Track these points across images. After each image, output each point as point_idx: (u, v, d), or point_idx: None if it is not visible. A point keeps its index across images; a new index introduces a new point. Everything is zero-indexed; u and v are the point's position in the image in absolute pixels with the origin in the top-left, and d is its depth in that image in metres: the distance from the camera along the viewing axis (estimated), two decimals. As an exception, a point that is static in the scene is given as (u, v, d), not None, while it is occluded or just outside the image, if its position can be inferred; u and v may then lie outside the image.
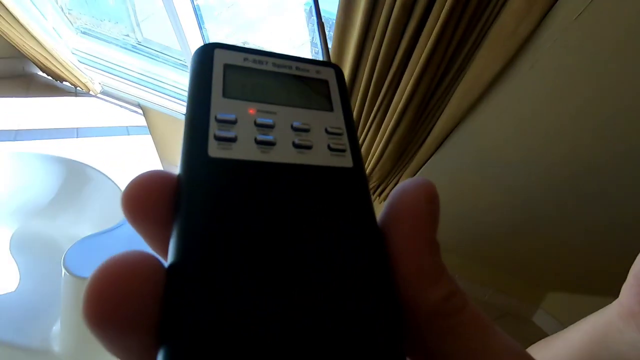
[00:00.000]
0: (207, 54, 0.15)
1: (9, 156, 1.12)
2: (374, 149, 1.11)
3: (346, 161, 0.14)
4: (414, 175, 1.17)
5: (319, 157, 0.14)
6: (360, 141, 1.14)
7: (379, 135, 1.07)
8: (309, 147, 0.14)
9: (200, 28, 1.44)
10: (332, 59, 1.00)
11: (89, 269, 0.85)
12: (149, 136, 1.55)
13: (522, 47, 0.73)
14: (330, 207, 0.12)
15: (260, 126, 0.14)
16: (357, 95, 1.00)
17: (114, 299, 0.09)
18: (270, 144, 0.13)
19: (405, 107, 0.92)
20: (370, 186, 1.37)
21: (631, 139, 0.83)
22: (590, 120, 0.84)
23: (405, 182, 0.13)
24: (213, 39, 1.53)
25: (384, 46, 0.80)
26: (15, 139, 1.20)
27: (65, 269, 0.83)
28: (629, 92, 0.75)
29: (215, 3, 1.87)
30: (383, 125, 1.03)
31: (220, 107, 0.13)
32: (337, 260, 0.11)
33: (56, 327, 0.93)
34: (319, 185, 0.13)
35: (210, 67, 0.14)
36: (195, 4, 1.38)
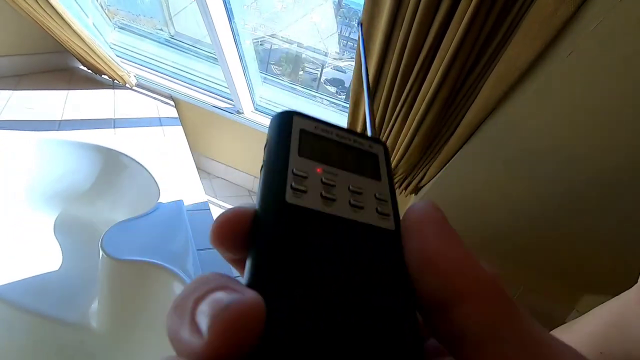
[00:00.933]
0: (287, 119, 0.18)
1: (53, 144, 1.20)
2: (400, 141, 1.10)
3: (389, 224, 0.17)
4: (442, 168, 1.14)
5: (368, 217, 0.17)
6: (387, 133, 1.13)
7: (405, 127, 1.05)
8: (361, 208, 0.17)
9: (230, 21, 1.47)
10: (358, 49, 0.99)
11: (125, 251, 0.90)
12: (180, 127, 1.61)
13: (561, 30, 0.68)
14: (374, 258, 0.15)
15: (325, 184, 0.17)
16: (384, 85, 0.99)
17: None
18: (332, 199, 0.16)
19: (434, 97, 0.89)
20: (396, 179, 1.35)
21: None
22: (635, 111, 0.78)
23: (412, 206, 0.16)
24: (242, 31, 1.55)
25: (412, 31, 0.78)
26: (59, 129, 1.28)
27: (103, 250, 0.88)
28: None
29: (244, -4, 1.89)
30: (410, 117, 1.01)
31: (296, 163, 0.17)
32: (377, 293, 0.15)
33: (94, 305, 0.99)
34: (366, 240, 0.16)
35: (289, 130, 0.18)
36: (225, -3, 1.40)
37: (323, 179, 0.17)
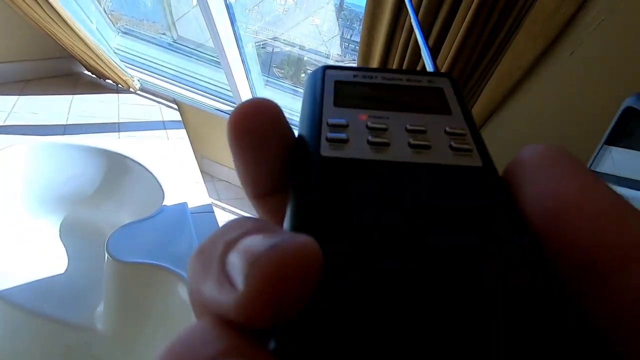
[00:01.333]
0: (318, 74, 0.16)
1: (58, 148, 1.21)
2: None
3: (473, 161, 0.13)
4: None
5: (440, 156, 0.13)
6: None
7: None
8: (426, 147, 0.13)
9: (233, 25, 1.48)
10: (361, 49, 1.00)
11: (130, 253, 0.91)
12: (184, 130, 1.62)
13: (564, 28, 0.69)
14: (458, 201, 0.11)
15: (372, 129, 0.14)
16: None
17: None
18: (384, 144, 0.13)
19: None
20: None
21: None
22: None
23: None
24: (244, 35, 1.57)
25: (413, 35, 0.78)
26: (64, 133, 1.29)
27: (108, 253, 0.89)
28: None
29: (246, 0, 1.91)
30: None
31: (332, 114, 0.14)
32: (472, 232, 0.10)
33: (100, 307, 1.00)
34: (441, 182, 0.12)
35: (321, 84, 0.15)
36: (228, 1, 1.42)
37: (369, 124, 0.14)
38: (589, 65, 0.76)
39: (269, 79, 1.96)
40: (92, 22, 1.60)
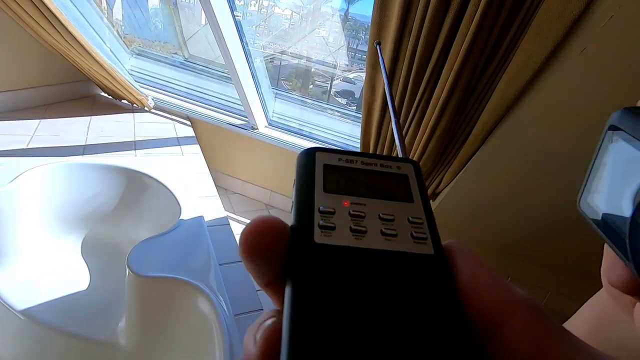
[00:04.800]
0: (310, 157, 0.19)
1: (79, 168, 1.25)
2: (415, 147, 1.10)
3: (427, 249, 0.16)
4: (458, 172, 1.13)
5: (403, 244, 0.16)
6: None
7: (419, 133, 1.05)
8: (394, 235, 0.16)
9: (242, 41, 1.52)
10: (369, 60, 1.01)
11: (150, 268, 0.92)
12: (197, 145, 1.65)
13: (572, 27, 0.68)
14: (415, 289, 0.14)
15: (353, 216, 0.16)
16: (396, 93, 1.00)
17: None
18: (363, 232, 0.16)
19: (447, 101, 0.90)
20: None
21: None
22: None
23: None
24: (252, 50, 1.60)
25: (422, 38, 0.79)
26: (84, 153, 1.34)
27: (129, 268, 0.91)
28: None
29: (253, 17, 1.96)
30: (423, 122, 1.01)
31: (322, 201, 0.17)
32: (424, 321, 0.14)
33: (122, 322, 1.01)
34: (403, 269, 0.15)
35: (313, 167, 0.18)
36: (236, 19, 1.46)
37: (351, 212, 0.16)
38: (600, 62, 0.75)
39: (279, 92, 1.99)
40: (107, 46, 1.66)
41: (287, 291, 0.14)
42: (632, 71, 0.73)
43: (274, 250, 0.14)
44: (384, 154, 1.22)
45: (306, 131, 1.91)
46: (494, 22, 0.71)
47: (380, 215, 0.17)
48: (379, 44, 0.80)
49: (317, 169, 0.18)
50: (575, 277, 1.44)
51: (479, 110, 0.93)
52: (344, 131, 1.96)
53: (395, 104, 1.02)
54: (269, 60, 1.97)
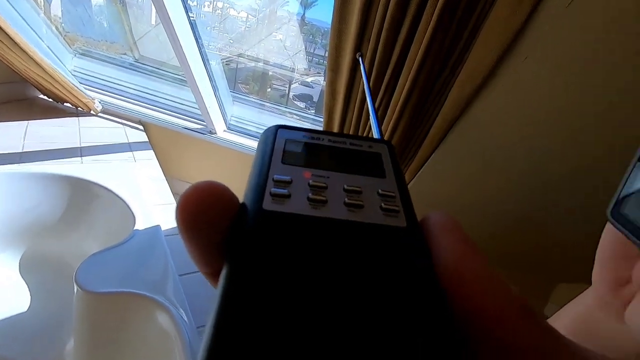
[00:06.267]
0: (271, 133, 0.17)
1: (15, 178, 1.13)
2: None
3: (399, 221, 0.14)
4: (418, 171, 1.18)
5: (370, 216, 0.14)
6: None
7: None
8: (359, 207, 0.14)
9: (198, 42, 1.47)
10: (329, 65, 1.02)
11: (101, 283, 0.86)
12: (151, 151, 1.57)
13: (519, 32, 0.74)
14: (381, 264, 0.12)
15: (313, 187, 0.15)
16: (356, 97, 1.02)
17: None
18: (322, 202, 0.14)
19: (405, 104, 0.93)
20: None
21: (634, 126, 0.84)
22: (592, 107, 0.85)
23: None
24: (208, 52, 1.56)
25: (380, 46, 0.82)
26: (20, 161, 1.22)
27: (77, 285, 0.83)
28: (629, 76, 0.76)
29: (207, 18, 1.90)
30: (384, 123, 1.04)
31: (278, 170, 0.15)
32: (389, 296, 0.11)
33: (70, 345, 0.93)
34: (368, 241, 0.13)
35: (272, 141, 0.17)
36: (191, 20, 1.41)
37: (311, 182, 0.15)
38: (542, 67, 0.82)
39: (236, 95, 1.95)
40: (45, 44, 1.53)
41: (224, 268, 0.11)
42: (570, 74, 0.81)
43: (219, 223, 0.12)
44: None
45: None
46: (447, 29, 0.75)
47: (345, 187, 0.15)
48: (362, 55, 0.81)
49: (278, 143, 0.17)
50: (524, 269, 1.55)
51: (435, 113, 0.98)
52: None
53: (356, 107, 1.04)
54: (226, 63, 1.93)
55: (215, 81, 1.62)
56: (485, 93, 0.90)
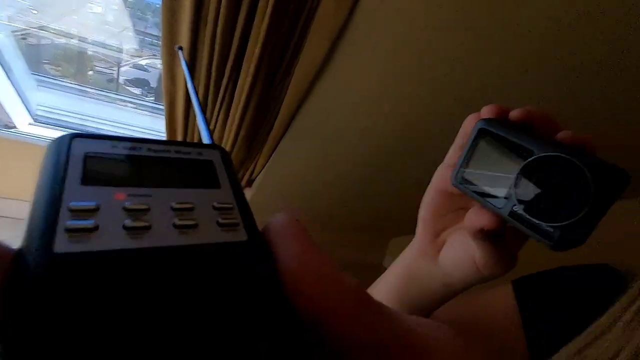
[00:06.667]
0: (62, 145, 0.13)
1: None
2: (225, 140, 1.11)
3: (239, 235, 0.13)
4: (269, 157, 1.22)
5: (207, 235, 0.12)
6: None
7: (227, 125, 1.06)
8: (193, 227, 0.12)
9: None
10: (164, 47, 0.93)
11: None
12: None
13: (342, 29, 0.83)
14: (221, 287, 0.11)
15: (130, 211, 0.12)
16: (199, 85, 0.97)
17: None
18: (144, 228, 0.11)
19: (249, 95, 0.94)
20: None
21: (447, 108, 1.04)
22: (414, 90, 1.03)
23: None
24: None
25: (219, 25, 0.79)
26: None
27: None
28: (442, 67, 0.92)
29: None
30: (230, 116, 1.02)
31: (76, 195, 0.11)
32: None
33: None
34: (205, 265, 0.11)
35: (66, 156, 0.12)
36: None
37: (127, 205, 0.12)
38: (371, 62, 0.95)
39: (43, 78, 1.57)
40: None
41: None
42: (394, 66, 0.94)
43: None
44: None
45: (91, 126, 1.59)
46: (281, 23, 0.79)
47: (173, 205, 0.13)
48: (181, 48, 0.75)
49: (74, 159, 0.13)
50: (358, 229, 1.81)
51: (279, 103, 1.02)
52: (143, 125, 1.75)
53: (200, 96, 0.98)
54: (21, 37, 1.51)
55: (5, 59, 1.26)
56: (319, 85, 0.99)
